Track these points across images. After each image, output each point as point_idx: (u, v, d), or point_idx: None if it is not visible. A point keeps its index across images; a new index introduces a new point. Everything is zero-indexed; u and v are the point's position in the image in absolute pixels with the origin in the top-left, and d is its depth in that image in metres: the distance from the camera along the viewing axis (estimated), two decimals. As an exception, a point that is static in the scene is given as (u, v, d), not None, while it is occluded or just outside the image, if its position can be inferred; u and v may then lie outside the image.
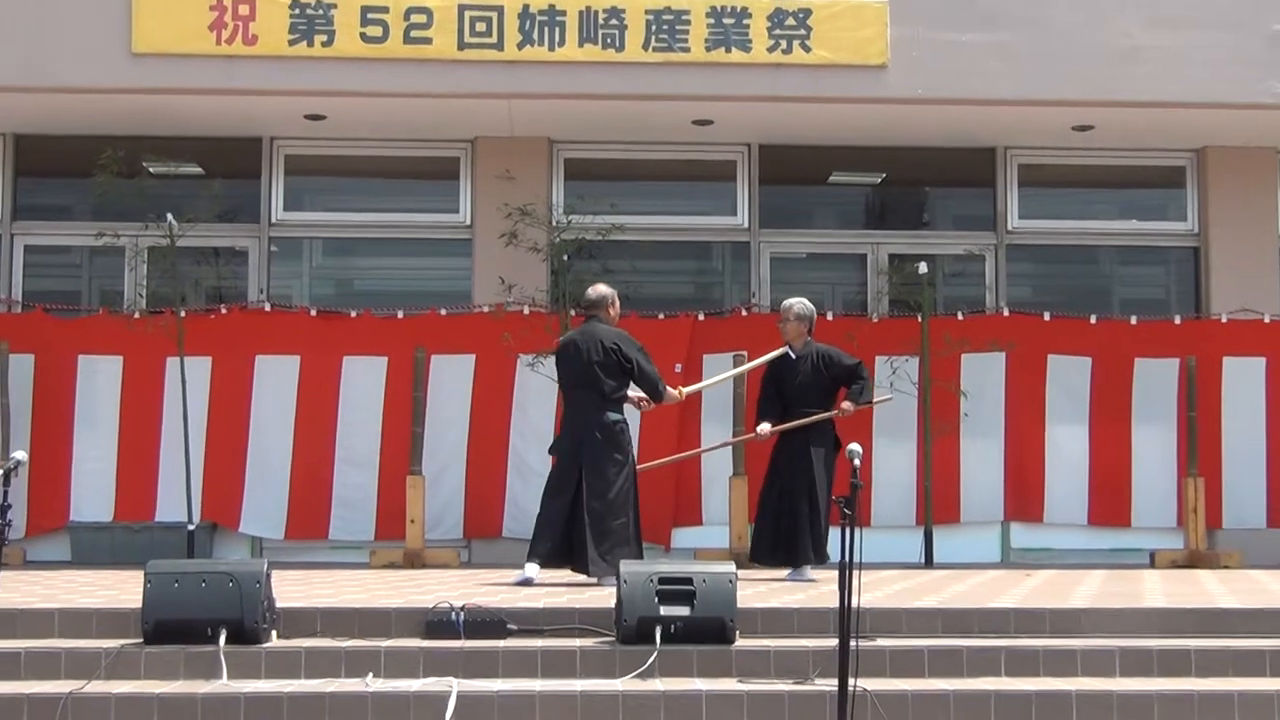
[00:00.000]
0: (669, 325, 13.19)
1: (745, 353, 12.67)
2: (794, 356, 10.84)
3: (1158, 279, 14.86)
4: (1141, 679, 7.44)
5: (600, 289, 10.42)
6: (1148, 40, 12.80)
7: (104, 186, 12.93)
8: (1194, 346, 13.65)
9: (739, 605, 7.61)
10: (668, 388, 10.39)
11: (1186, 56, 12.78)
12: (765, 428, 10.77)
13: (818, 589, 9.50)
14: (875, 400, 11.31)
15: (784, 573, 10.74)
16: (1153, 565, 12.96)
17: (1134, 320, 13.90)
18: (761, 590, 9.38)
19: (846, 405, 10.72)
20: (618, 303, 10.45)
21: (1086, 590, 9.64)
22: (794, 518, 10.58)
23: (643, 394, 10.27)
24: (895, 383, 12.88)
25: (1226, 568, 12.65)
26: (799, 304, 11.00)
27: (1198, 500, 13.16)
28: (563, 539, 9.91)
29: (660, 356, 10.92)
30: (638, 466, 10.42)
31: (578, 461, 9.98)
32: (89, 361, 13.32)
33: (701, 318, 13.68)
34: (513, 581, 9.82)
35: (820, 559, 10.62)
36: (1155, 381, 13.75)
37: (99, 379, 13.31)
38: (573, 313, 12.93)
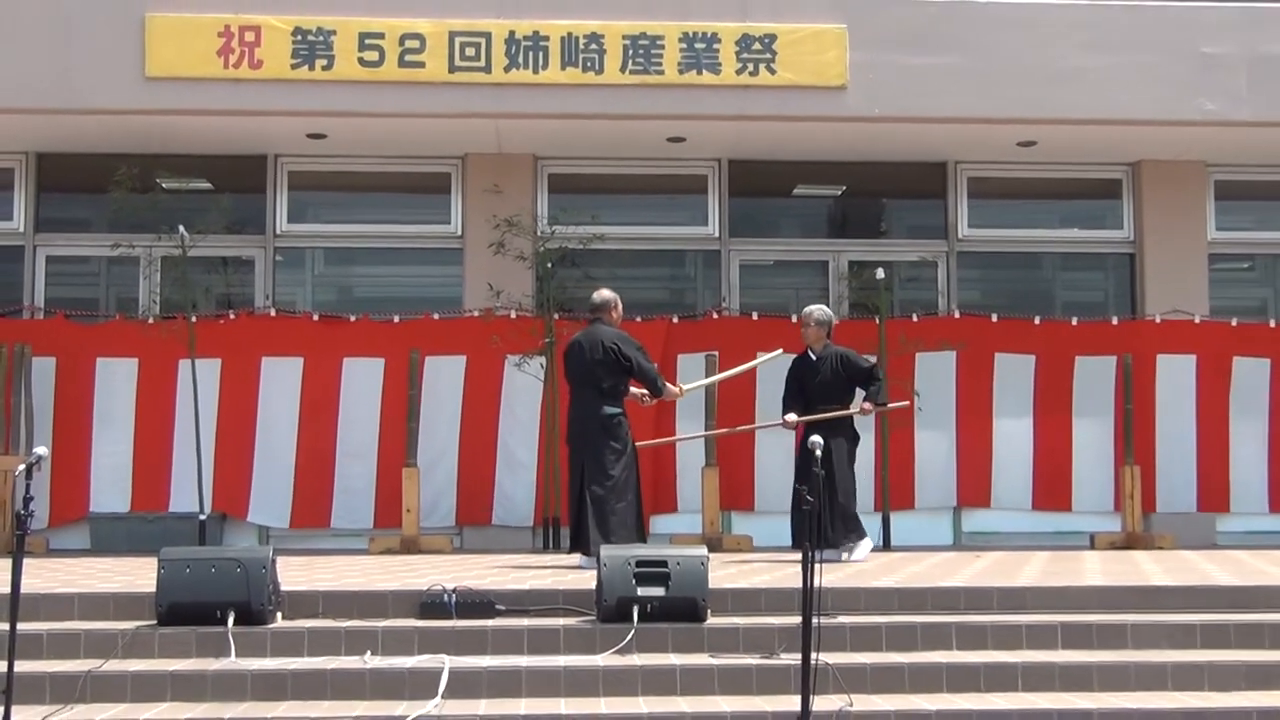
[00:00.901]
0: (646, 328, 13.15)
1: (716, 353, 12.73)
2: (815, 358, 10.90)
3: (1096, 283, 14.88)
4: (1081, 651, 7.47)
5: (604, 293, 10.50)
6: (1086, 62, 12.83)
7: (120, 201, 12.88)
8: (1130, 345, 13.70)
9: (710, 586, 7.63)
10: (667, 385, 10.46)
11: (1122, 77, 12.82)
12: (792, 417, 10.81)
13: (786, 570, 9.49)
14: (892, 405, 11.37)
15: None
16: (1092, 547, 12.99)
17: (1074, 321, 13.94)
18: (731, 572, 9.39)
19: (866, 405, 10.82)
20: (620, 306, 10.52)
21: (1031, 570, 9.67)
22: (839, 504, 10.65)
23: (644, 389, 10.33)
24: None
25: (1160, 549, 12.67)
26: (819, 310, 11.06)
27: (1134, 486, 13.19)
28: (576, 525, 10.06)
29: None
30: (681, 438, 10.67)
31: (580, 452, 10.09)
32: (106, 364, 13.26)
33: (676, 320, 13.68)
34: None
35: (859, 536, 10.74)
36: (1094, 377, 13.78)
37: (116, 380, 13.25)
38: (556, 316, 12.94)
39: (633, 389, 10.30)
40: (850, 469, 10.79)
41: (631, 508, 10.05)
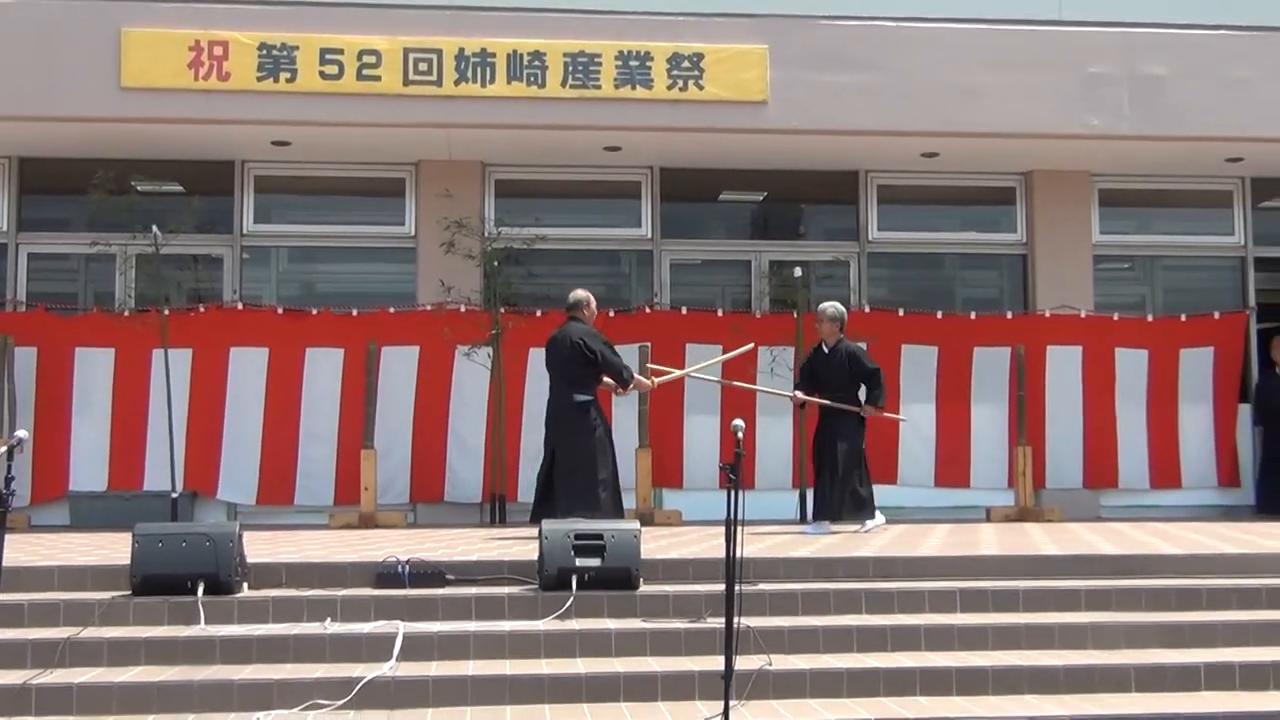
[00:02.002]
0: (584, 321, 13.14)
1: (649, 344, 12.77)
2: (827, 350, 11.11)
3: (992, 281, 15.01)
4: (978, 614, 7.54)
5: (578, 293, 10.63)
6: (984, 80, 12.93)
7: (97, 202, 12.70)
8: (1023, 337, 13.83)
9: (642, 557, 7.65)
10: (636, 376, 10.53)
11: (1017, 94, 12.93)
12: (799, 395, 11.10)
13: (712, 542, 9.51)
14: (887, 415, 11.57)
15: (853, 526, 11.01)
16: (988, 520, 13.09)
17: (973, 315, 14.04)
18: (662, 544, 9.39)
19: (867, 408, 11.01)
20: (593, 304, 10.65)
21: (933, 541, 9.73)
22: (842, 482, 10.84)
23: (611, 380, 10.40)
24: (775, 369, 12.96)
25: (1050, 521, 12.81)
26: (831, 307, 11.17)
27: (1026, 465, 13.32)
28: (543, 499, 10.11)
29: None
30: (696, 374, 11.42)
31: (552, 435, 10.27)
32: (85, 353, 13.08)
33: (612, 315, 13.62)
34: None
35: (865, 515, 10.96)
36: (991, 366, 13.90)
37: (94, 368, 13.08)
38: (502, 310, 12.92)
39: (605, 379, 10.37)
40: (859, 452, 10.98)
41: (603, 486, 10.13)
